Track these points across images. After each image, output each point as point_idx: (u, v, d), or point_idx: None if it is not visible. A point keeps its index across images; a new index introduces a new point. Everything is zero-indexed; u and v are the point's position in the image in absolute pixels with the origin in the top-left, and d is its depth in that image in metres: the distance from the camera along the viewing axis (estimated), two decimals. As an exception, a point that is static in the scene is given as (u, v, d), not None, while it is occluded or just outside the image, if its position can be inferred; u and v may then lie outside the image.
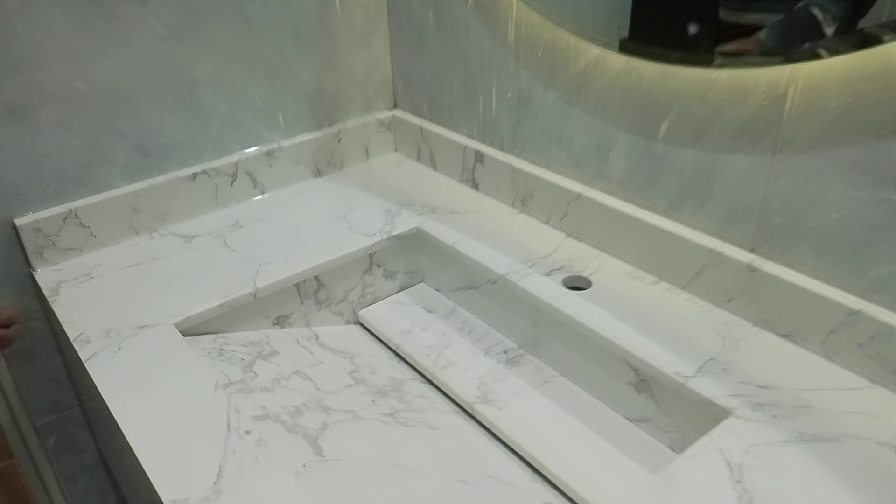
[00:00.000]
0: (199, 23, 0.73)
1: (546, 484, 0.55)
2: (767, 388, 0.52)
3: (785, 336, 0.57)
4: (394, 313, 0.76)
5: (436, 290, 0.79)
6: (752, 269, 0.57)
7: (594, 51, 0.64)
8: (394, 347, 0.71)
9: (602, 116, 0.66)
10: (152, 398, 0.53)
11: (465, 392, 0.63)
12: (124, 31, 0.69)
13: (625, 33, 0.59)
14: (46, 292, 0.67)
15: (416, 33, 0.84)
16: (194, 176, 0.78)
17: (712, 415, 0.51)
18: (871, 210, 0.49)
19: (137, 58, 0.71)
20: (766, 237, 0.57)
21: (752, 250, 0.58)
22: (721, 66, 0.54)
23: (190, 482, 0.45)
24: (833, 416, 0.49)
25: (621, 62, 0.62)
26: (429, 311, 0.76)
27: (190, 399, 0.53)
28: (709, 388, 0.52)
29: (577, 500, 0.53)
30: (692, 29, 0.54)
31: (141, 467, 0.47)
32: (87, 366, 0.57)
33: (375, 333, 0.74)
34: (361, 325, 0.76)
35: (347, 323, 0.76)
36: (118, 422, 0.51)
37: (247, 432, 0.49)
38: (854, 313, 0.51)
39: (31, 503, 0.88)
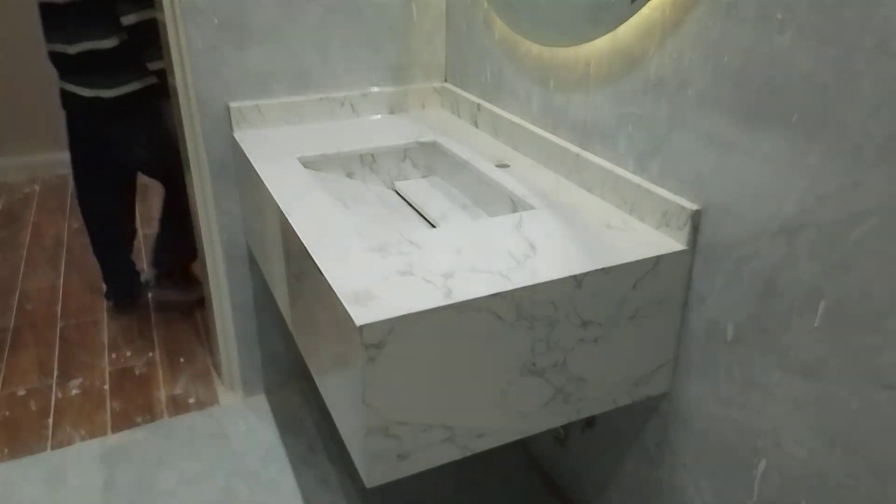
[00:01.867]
0: (337, 11, 1.37)
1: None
2: (559, 203, 1.04)
3: (586, 189, 1.08)
4: (413, 187, 1.34)
5: (442, 177, 1.36)
6: (578, 156, 1.10)
7: (528, 45, 1.20)
8: (403, 194, 1.29)
9: (530, 78, 1.21)
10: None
11: (430, 211, 1.20)
12: (302, 11, 1.34)
13: (531, 37, 1.14)
14: (238, 140, 1.32)
15: (457, 38, 1.44)
16: (321, 99, 1.42)
17: (521, 202, 1.04)
18: (623, 118, 1.01)
19: (306, 26, 1.36)
20: (583, 141, 1.09)
21: (579, 146, 1.11)
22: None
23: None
24: (573, 207, 1.01)
25: (535, 49, 1.17)
26: (430, 185, 1.33)
27: (306, 188, 1.14)
28: (525, 194, 1.05)
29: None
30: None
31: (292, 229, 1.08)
32: (254, 161, 1.20)
33: (402, 195, 1.32)
34: (395, 191, 1.35)
35: (387, 188, 1.35)
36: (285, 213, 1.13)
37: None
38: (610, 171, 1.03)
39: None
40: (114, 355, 1.84)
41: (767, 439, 0.85)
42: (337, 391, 0.89)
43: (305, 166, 1.22)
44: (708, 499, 0.97)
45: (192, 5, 1.25)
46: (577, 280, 0.84)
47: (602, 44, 1.01)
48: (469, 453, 0.89)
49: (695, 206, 0.88)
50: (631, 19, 0.93)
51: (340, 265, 0.85)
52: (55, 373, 1.77)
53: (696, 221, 0.89)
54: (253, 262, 1.51)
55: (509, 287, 0.81)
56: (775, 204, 0.77)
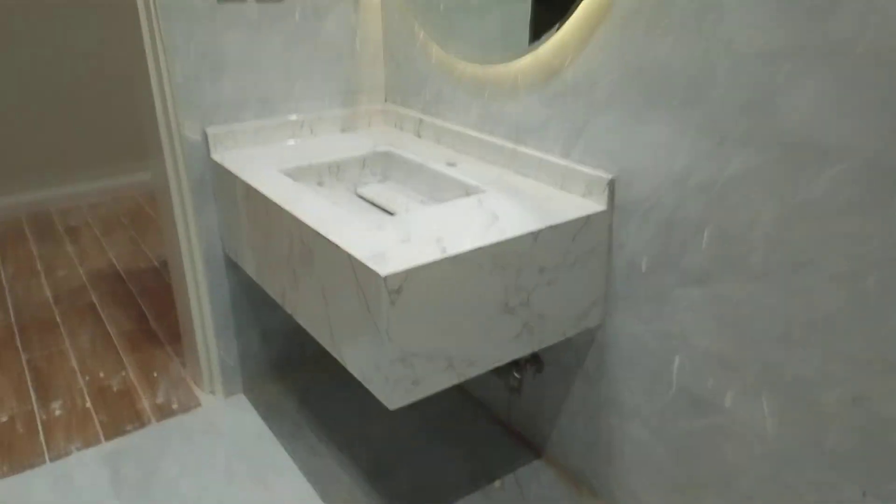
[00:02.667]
0: (297, 41, 1.61)
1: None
2: (502, 187, 1.32)
3: (523, 176, 1.37)
4: (374, 190, 1.58)
5: (396, 181, 1.62)
6: (514, 150, 1.39)
7: (463, 65, 1.48)
8: (366, 198, 1.53)
9: (467, 92, 1.50)
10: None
11: (391, 206, 1.45)
12: (266, 40, 1.56)
13: (466, 59, 1.43)
14: (218, 161, 1.52)
15: (396, 64, 1.71)
16: (283, 123, 1.64)
17: (475, 188, 1.31)
18: (549, 116, 1.31)
19: (271, 57, 1.58)
20: (517, 138, 1.38)
21: (514, 142, 1.40)
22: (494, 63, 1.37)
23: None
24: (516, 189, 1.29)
25: (470, 68, 1.46)
26: (388, 188, 1.58)
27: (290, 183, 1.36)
28: (477, 183, 1.33)
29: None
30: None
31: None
32: (243, 176, 1.41)
33: (364, 196, 1.56)
34: (357, 194, 1.59)
35: (350, 193, 1.59)
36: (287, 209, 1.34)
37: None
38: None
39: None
40: (87, 377, 1.94)
41: (678, 340, 1.16)
42: (356, 339, 1.12)
43: (286, 176, 1.44)
44: (639, 400, 1.27)
45: (173, 42, 1.45)
46: (534, 235, 1.12)
47: (527, 60, 1.31)
48: (463, 379, 1.14)
49: (609, 176, 1.19)
50: (548, 41, 1.24)
51: (352, 240, 1.09)
52: (33, 397, 1.85)
53: (611, 187, 1.20)
54: (229, 267, 1.69)
55: (486, 243, 1.08)
56: (667, 165, 1.09)
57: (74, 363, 2.01)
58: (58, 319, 2.25)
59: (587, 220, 1.19)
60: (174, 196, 1.59)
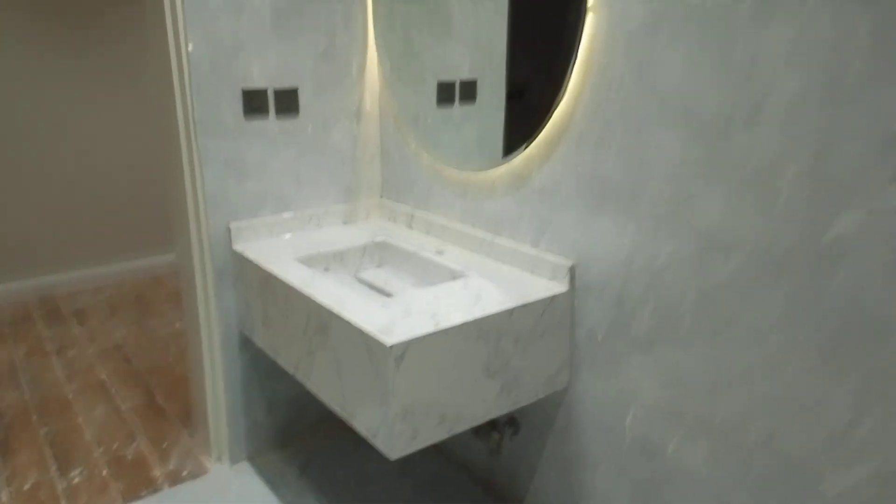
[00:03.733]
0: (308, 150, 1.90)
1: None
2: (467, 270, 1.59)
3: (500, 262, 1.64)
4: (373, 275, 1.84)
5: (391, 266, 1.88)
6: (492, 242, 1.66)
7: (449, 170, 1.78)
8: (366, 281, 1.78)
9: (453, 192, 1.78)
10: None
11: (388, 288, 1.70)
12: (282, 150, 1.85)
13: (452, 166, 1.73)
14: (240, 251, 1.77)
15: (391, 166, 2.00)
16: (295, 217, 1.91)
17: (460, 273, 1.57)
18: (521, 214, 1.59)
19: (286, 164, 1.86)
20: (495, 231, 1.66)
21: (493, 234, 1.67)
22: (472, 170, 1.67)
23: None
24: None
25: (454, 173, 1.76)
26: (384, 272, 1.84)
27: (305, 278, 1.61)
28: (461, 269, 1.59)
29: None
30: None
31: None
32: (263, 264, 1.66)
33: (363, 280, 1.81)
34: (357, 278, 1.84)
35: (352, 278, 1.84)
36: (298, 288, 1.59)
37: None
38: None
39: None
40: (102, 448, 2.11)
41: (630, 397, 1.40)
42: (365, 399, 1.34)
43: (300, 263, 1.69)
44: (601, 452, 1.49)
45: (207, 151, 1.73)
46: (510, 312, 1.38)
47: (502, 169, 1.60)
48: (453, 433, 1.36)
49: (570, 263, 1.46)
50: (519, 156, 1.53)
51: (362, 317, 1.33)
52: (53, 467, 2.01)
53: (572, 272, 1.46)
54: (241, 346, 1.91)
55: (471, 318, 1.33)
56: (615, 254, 1.36)
57: (89, 436, 2.17)
58: (70, 397, 2.42)
59: (553, 299, 1.45)
60: (198, 281, 1.83)
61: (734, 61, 1.09)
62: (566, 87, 1.39)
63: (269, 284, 1.65)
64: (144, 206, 3.61)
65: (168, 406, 2.34)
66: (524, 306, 1.40)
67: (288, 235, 1.90)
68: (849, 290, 1.01)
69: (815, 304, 1.06)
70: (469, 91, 1.73)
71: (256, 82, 1.76)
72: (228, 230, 1.81)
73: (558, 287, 1.48)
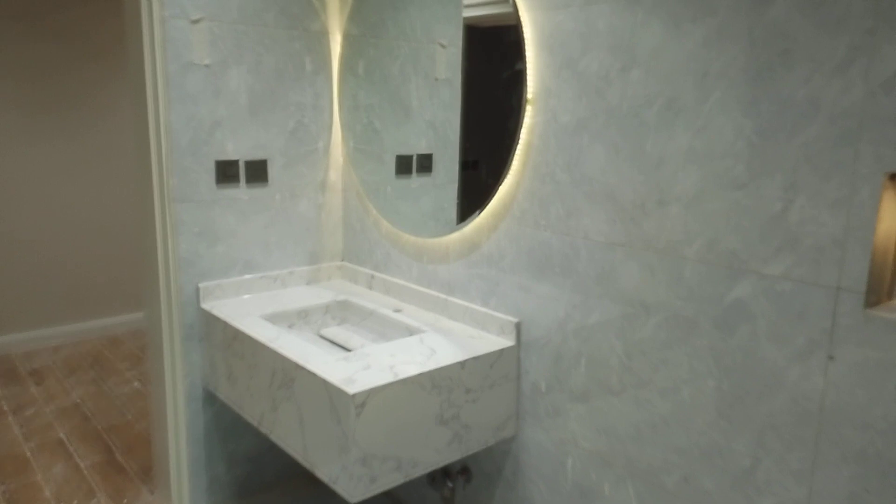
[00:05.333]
0: (276, 218, 2.04)
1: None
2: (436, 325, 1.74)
3: (454, 320, 1.79)
4: (334, 332, 1.96)
5: (352, 324, 2.01)
6: (446, 301, 1.82)
7: (406, 236, 1.94)
8: (328, 337, 1.91)
9: (409, 256, 1.94)
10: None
11: (349, 344, 1.83)
12: (252, 218, 1.99)
13: (408, 233, 1.90)
14: (208, 309, 1.88)
15: (353, 232, 2.16)
16: (261, 278, 2.04)
17: (416, 329, 1.72)
18: (472, 277, 1.76)
19: (255, 230, 2.00)
20: (449, 291, 1.82)
21: (447, 295, 1.83)
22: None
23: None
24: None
25: (412, 239, 1.92)
26: (345, 329, 1.97)
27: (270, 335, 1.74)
28: (418, 325, 1.74)
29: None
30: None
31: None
32: (231, 321, 1.77)
33: (325, 336, 1.94)
34: (320, 335, 1.96)
35: (314, 334, 1.96)
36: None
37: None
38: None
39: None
40: (61, 505, 2.13)
41: (570, 444, 1.54)
42: (327, 446, 1.46)
43: (266, 320, 1.82)
44: (547, 496, 1.63)
45: (181, 220, 1.86)
46: (462, 364, 1.52)
47: (455, 236, 1.78)
48: (409, 478, 1.48)
49: (516, 320, 1.62)
50: (471, 224, 1.71)
51: (325, 369, 1.46)
52: (12, 524, 2.03)
53: (518, 328, 1.63)
54: (205, 401, 2.00)
55: (426, 370, 1.47)
56: (553, 314, 1.53)
57: (48, 493, 2.20)
58: (28, 455, 2.43)
59: (501, 353, 1.60)
60: (166, 338, 1.93)
61: (646, 155, 1.30)
62: (510, 166, 1.58)
63: (236, 341, 1.76)
64: (103, 267, 3.67)
65: (128, 463, 2.38)
66: (475, 358, 1.55)
67: (254, 295, 2.02)
68: (745, 348, 1.20)
69: (718, 361, 1.24)
70: (426, 163, 1.92)
71: (230, 155, 1.91)
72: (197, 289, 1.92)
73: (506, 342, 1.63)
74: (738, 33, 1.15)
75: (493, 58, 1.68)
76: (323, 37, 2.04)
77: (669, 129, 1.26)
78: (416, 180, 1.97)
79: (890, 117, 1.00)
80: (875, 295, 1.06)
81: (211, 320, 1.88)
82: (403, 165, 1.99)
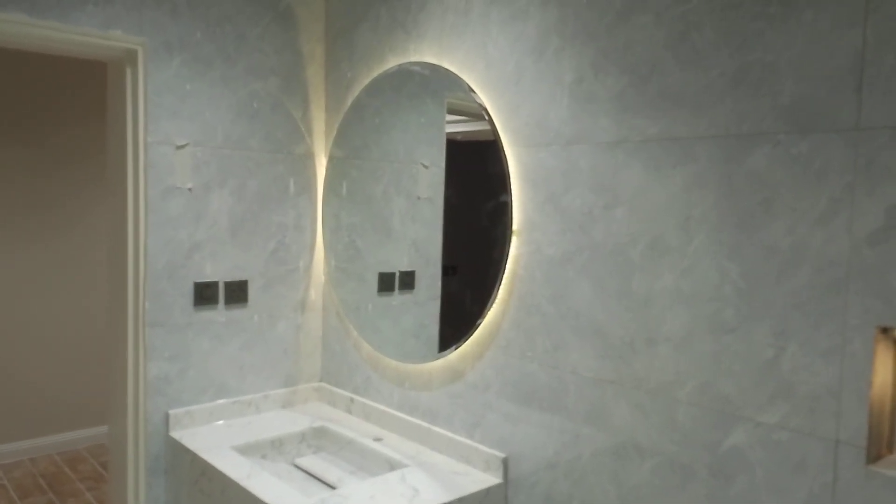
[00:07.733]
0: (252, 342, 1.98)
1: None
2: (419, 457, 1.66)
3: (437, 452, 1.72)
4: (310, 462, 1.87)
5: (329, 453, 1.92)
6: (430, 430, 1.75)
7: (387, 360, 1.89)
8: (303, 468, 1.81)
9: (391, 381, 1.88)
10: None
11: (326, 476, 1.73)
12: (227, 342, 1.93)
13: (390, 357, 1.85)
14: (177, 438, 1.79)
15: (332, 354, 2.10)
16: (235, 402, 1.95)
17: (398, 463, 1.64)
18: (455, 406, 1.70)
19: (230, 353, 1.93)
20: (432, 420, 1.76)
21: (430, 424, 1.76)
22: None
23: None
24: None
25: (393, 363, 1.87)
26: (322, 459, 1.88)
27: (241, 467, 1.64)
28: (400, 458, 1.66)
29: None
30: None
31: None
32: (200, 454, 1.68)
33: (301, 467, 1.84)
34: (295, 465, 1.86)
35: (289, 465, 1.87)
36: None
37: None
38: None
39: None
40: None
41: (562, 593, 1.45)
42: None
43: (237, 452, 1.72)
44: None
45: (153, 345, 1.79)
46: (446, 507, 1.44)
47: (439, 363, 1.73)
48: None
49: (503, 455, 1.56)
50: (454, 352, 1.67)
51: (303, 515, 1.37)
52: None
53: (505, 464, 1.56)
54: (171, 538, 1.86)
55: (409, 515, 1.38)
56: (542, 452, 1.48)
57: None
58: None
59: (487, 492, 1.53)
60: (130, 470, 1.81)
61: (633, 293, 1.29)
62: (495, 297, 1.56)
63: (203, 476, 1.66)
64: (62, 385, 3.52)
65: None
66: (460, 500, 1.47)
67: (227, 421, 1.93)
68: (746, 498, 1.15)
69: (717, 507, 1.19)
70: (408, 280, 1.90)
71: (209, 276, 1.88)
72: (167, 416, 1.83)
73: (493, 479, 1.56)
74: (718, 180, 1.17)
75: (476, 179, 1.69)
76: (308, 159, 2.06)
77: (655, 268, 1.26)
78: (397, 297, 1.95)
79: (876, 270, 1.00)
80: (875, 448, 1.03)
81: (179, 451, 1.78)
82: (385, 283, 1.96)
